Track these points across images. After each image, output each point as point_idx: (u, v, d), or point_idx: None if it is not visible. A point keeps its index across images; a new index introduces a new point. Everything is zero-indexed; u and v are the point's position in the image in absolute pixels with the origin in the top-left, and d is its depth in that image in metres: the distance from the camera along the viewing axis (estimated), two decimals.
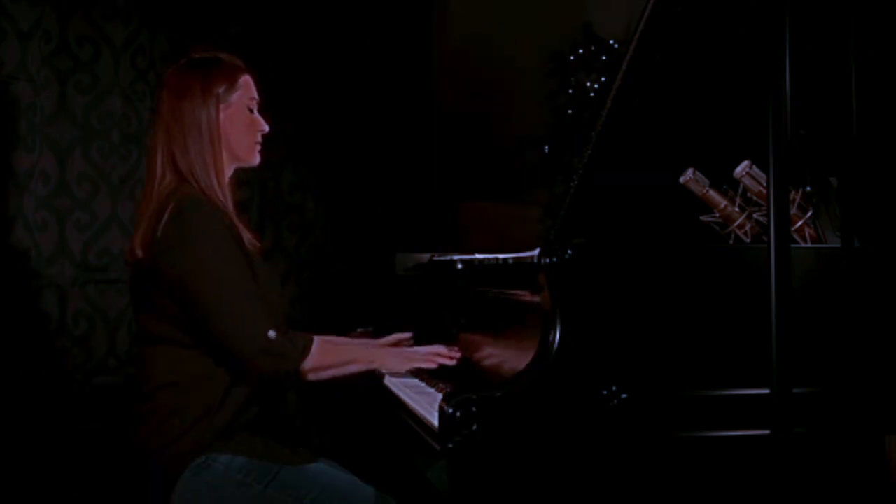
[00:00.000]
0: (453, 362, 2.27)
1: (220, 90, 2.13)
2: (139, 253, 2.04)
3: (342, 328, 2.77)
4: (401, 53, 4.18)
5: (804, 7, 1.62)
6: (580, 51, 4.25)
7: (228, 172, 2.17)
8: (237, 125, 2.15)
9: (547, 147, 4.18)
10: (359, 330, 2.90)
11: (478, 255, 2.30)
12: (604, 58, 4.22)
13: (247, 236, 2.11)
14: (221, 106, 2.13)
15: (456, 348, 2.31)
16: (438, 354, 2.27)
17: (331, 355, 2.10)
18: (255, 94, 2.20)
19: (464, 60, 4.38)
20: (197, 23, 3.60)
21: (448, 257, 2.53)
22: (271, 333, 1.97)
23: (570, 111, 4.21)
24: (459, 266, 2.40)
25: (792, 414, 1.34)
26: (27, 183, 3.09)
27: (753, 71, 1.94)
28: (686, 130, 2.19)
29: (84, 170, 3.26)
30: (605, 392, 1.75)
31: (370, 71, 4.06)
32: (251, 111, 2.18)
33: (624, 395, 1.75)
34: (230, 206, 2.12)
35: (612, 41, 4.24)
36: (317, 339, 2.06)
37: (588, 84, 4.20)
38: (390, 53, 4.14)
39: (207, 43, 3.59)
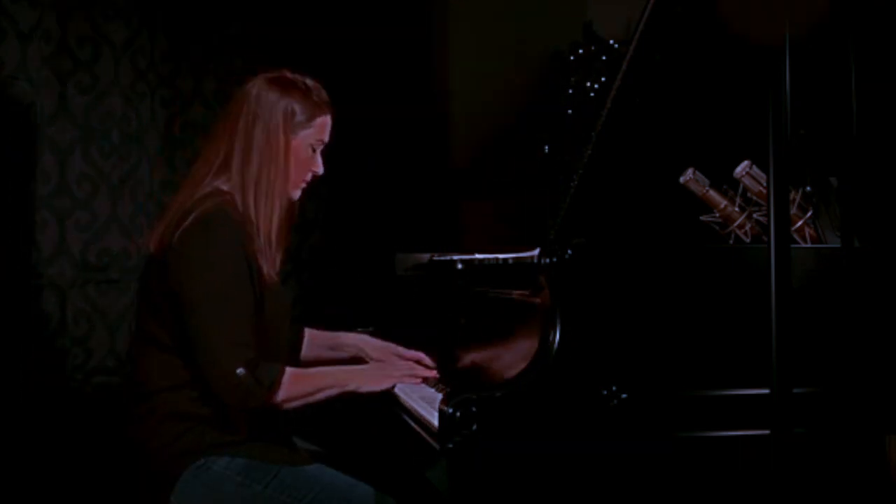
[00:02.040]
0: (433, 373, 2.25)
1: (297, 120, 2.10)
2: (152, 247, 2.04)
3: (342, 328, 2.77)
4: (400, 51, 4.18)
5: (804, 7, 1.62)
6: (580, 51, 4.25)
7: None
8: (292, 159, 2.12)
9: (547, 147, 4.17)
10: (358, 330, 2.90)
11: (478, 255, 2.30)
12: (604, 58, 4.21)
13: (266, 268, 2.05)
14: (290, 136, 2.11)
15: (430, 359, 2.29)
16: (418, 364, 2.25)
17: (301, 385, 2.05)
18: (326, 138, 2.17)
19: (463, 59, 4.38)
20: (197, 23, 3.61)
21: (448, 257, 2.53)
22: (240, 371, 1.93)
23: (570, 111, 4.20)
24: (459, 266, 2.40)
25: (792, 414, 1.34)
26: (27, 183, 3.09)
27: (753, 71, 1.94)
28: (686, 130, 2.19)
29: (84, 170, 3.25)
30: (605, 392, 1.75)
31: (370, 69, 4.05)
32: (313, 150, 2.15)
33: (624, 395, 1.75)
34: (264, 232, 2.06)
35: (612, 41, 4.23)
36: (288, 370, 2.02)
37: (588, 84, 4.20)
38: (390, 51, 4.14)
39: (207, 43, 3.62)
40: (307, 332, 2.46)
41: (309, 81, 2.16)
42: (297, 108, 2.10)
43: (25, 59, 3.06)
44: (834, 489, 1.89)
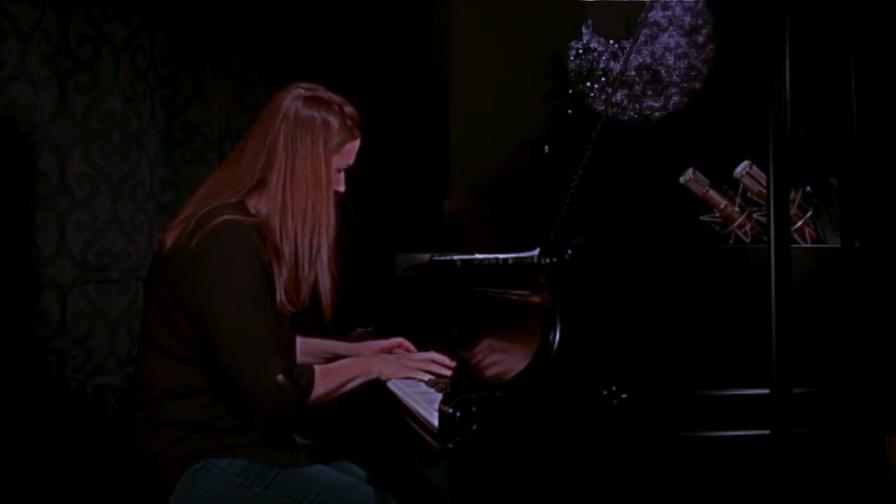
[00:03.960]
0: (448, 372, 2.26)
1: (332, 145, 2.08)
2: (167, 248, 2.00)
3: (342, 328, 2.77)
4: (401, 51, 4.18)
5: (804, 7, 1.62)
6: (580, 51, 4.25)
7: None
8: None
9: (547, 147, 4.18)
10: (359, 330, 2.90)
11: (478, 255, 2.30)
12: (604, 58, 4.22)
13: (281, 295, 2.02)
14: (330, 162, 2.08)
15: (449, 358, 2.31)
16: (434, 362, 2.26)
17: (331, 380, 2.05)
18: (352, 161, 2.14)
19: (464, 60, 4.38)
20: (197, 23, 3.60)
21: (448, 257, 2.53)
22: (280, 377, 1.92)
23: (569, 111, 4.21)
24: (459, 266, 2.40)
25: (792, 414, 1.34)
26: (27, 183, 3.09)
27: (753, 71, 1.94)
28: (686, 130, 2.19)
29: (84, 170, 3.25)
30: (605, 392, 1.75)
31: (370, 69, 4.05)
32: (338, 171, 2.13)
33: (624, 395, 1.75)
34: (302, 261, 2.04)
35: (612, 41, 4.24)
36: (316, 368, 2.02)
37: (588, 84, 4.20)
38: (390, 51, 4.14)
39: (207, 43, 3.62)
40: (298, 339, 2.39)
41: (343, 104, 2.13)
42: (333, 133, 2.08)
43: (25, 59, 3.05)
44: (834, 489, 1.89)
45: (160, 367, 2.03)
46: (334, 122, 2.09)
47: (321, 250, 2.07)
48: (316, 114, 2.07)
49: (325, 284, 2.08)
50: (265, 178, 2.05)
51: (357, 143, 2.14)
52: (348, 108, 2.13)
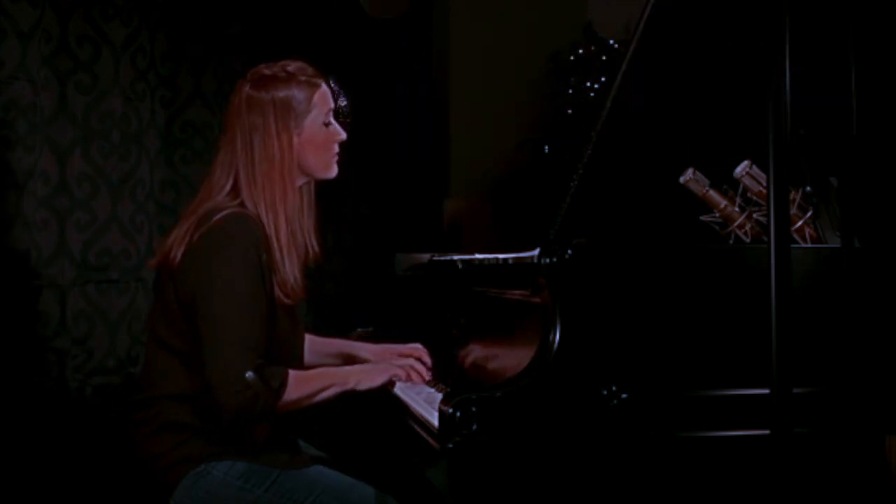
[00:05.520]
0: (428, 376, 2.24)
1: (295, 117, 2.06)
2: (176, 255, 1.99)
3: (342, 328, 2.77)
4: (399, 52, 4.18)
5: (804, 7, 1.62)
6: (580, 51, 4.25)
7: (299, 181, 2.10)
8: (311, 147, 2.09)
9: (547, 147, 4.17)
10: (359, 330, 2.90)
11: (478, 255, 2.30)
12: (604, 58, 4.22)
13: (280, 279, 2.03)
14: (295, 132, 2.07)
15: (427, 365, 2.28)
16: (413, 367, 2.24)
17: (304, 387, 2.02)
18: (332, 103, 2.12)
19: (464, 59, 4.38)
20: (197, 22, 3.60)
21: (448, 257, 2.53)
22: (249, 374, 1.90)
23: (569, 111, 4.21)
24: (459, 266, 2.40)
25: (792, 414, 1.34)
26: (27, 183, 3.09)
27: (753, 71, 1.94)
28: (686, 130, 2.19)
29: (84, 170, 3.25)
30: (605, 392, 1.75)
31: (370, 68, 4.06)
32: (327, 125, 2.11)
33: (624, 395, 1.75)
34: (277, 248, 2.03)
35: (612, 41, 4.24)
36: (291, 372, 2.00)
37: (588, 84, 4.20)
38: (389, 51, 4.14)
39: (207, 43, 3.62)
40: (307, 337, 2.41)
41: (290, 66, 2.10)
42: (290, 100, 2.06)
43: (25, 59, 3.05)
44: (834, 489, 1.89)
45: (165, 369, 2.03)
46: (286, 92, 2.06)
47: (280, 232, 2.05)
48: (264, 95, 2.06)
49: (287, 264, 2.05)
50: (237, 181, 2.06)
51: (322, 88, 2.11)
52: (295, 67, 2.10)
